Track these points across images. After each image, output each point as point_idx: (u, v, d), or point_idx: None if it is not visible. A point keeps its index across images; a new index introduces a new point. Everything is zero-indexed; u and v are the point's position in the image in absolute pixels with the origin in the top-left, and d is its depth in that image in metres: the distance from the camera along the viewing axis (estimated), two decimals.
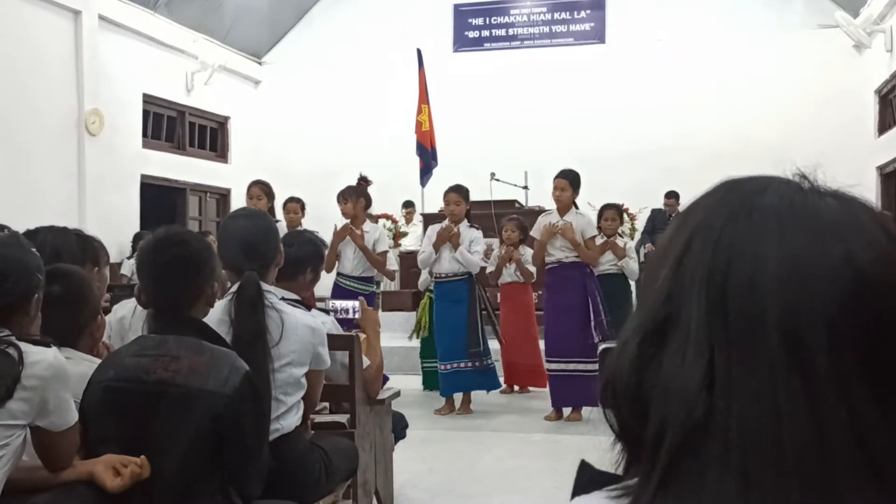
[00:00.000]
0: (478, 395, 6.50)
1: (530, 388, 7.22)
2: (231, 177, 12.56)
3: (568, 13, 12.89)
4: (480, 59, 12.91)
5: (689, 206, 0.65)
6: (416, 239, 10.75)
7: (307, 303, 3.04)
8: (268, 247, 2.72)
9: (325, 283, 4.72)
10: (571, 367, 5.92)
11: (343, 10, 13.25)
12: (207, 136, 12.69)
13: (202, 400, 2.05)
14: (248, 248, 2.66)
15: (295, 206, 6.71)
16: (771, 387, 0.55)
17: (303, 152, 12.83)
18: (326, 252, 4.06)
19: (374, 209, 8.89)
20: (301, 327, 2.63)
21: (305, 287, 3.23)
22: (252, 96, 13.48)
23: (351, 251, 6.36)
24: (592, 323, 5.87)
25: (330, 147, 12.59)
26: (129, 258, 9.45)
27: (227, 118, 12.94)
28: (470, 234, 6.25)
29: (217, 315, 2.49)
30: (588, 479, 0.65)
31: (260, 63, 13.59)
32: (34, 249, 2.04)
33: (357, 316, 3.49)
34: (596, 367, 5.14)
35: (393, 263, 9.22)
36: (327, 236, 5.53)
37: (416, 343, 7.27)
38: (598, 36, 12.73)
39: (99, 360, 2.26)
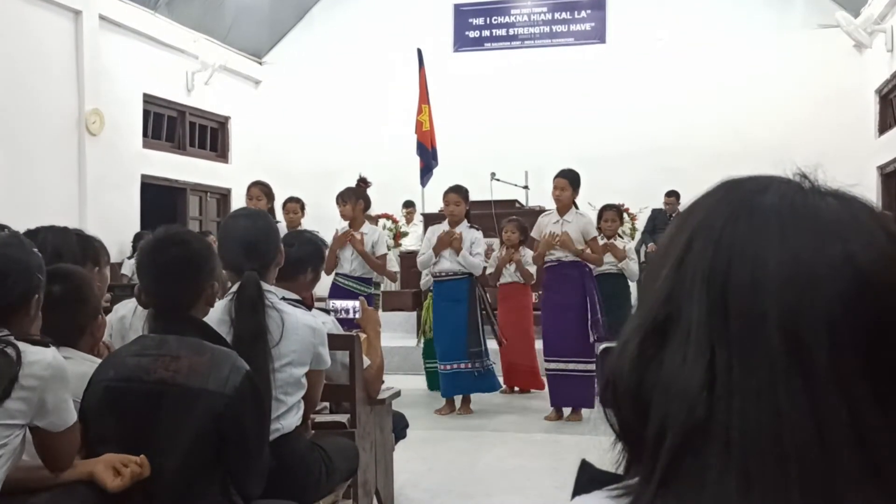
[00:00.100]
0: (478, 395, 6.50)
1: (530, 389, 7.22)
2: (231, 177, 12.57)
3: (568, 13, 12.89)
4: (481, 58, 12.91)
5: (689, 206, 0.65)
6: (416, 239, 10.75)
7: (306, 303, 3.04)
8: (268, 247, 2.73)
9: (324, 283, 4.72)
10: (571, 367, 5.93)
11: (343, 10, 13.25)
12: (208, 135, 12.69)
13: (203, 400, 2.05)
14: (249, 248, 2.66)
15: (295, 206, 6.71)
16: (771, 387, 0.55)
17: (303, 152, 12.83)
18: (326, 252, 4.06)
19: (375, 209, 8.91)
20: (301, 327, 2.63)
21: (306, 287, 3.23)
22: (252, 96, 13.48)
23: (349, 253, 6.37)
24: (589, 322, 5.87)
25: (330, 147, 12.59)
26: (129, 258, 9.45)
27: (227, 118, 12.94)
28: (471, 235, 6.25)
29: (217, 315, 2.49)
30: (589, 478, 0.65)
31: (260, 63, 13.59)
32: (35, 249, 2.04)
33: (357, 316, 3.49)
34: (593, 367, 5.14)
35: (394, 264, 9.22)
36: (327, 236, 5.53)
37: (415, 343, 7.27)
38: (598, 36, 12.73)
39: (99, 360, 2.26)
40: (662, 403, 0.58)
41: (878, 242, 0.58)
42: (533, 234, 6.35)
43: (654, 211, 10.79)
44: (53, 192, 9.19)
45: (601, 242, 6.47)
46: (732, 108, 11.58)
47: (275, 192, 6.47)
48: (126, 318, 3.02)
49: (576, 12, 12.85)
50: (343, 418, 3.22)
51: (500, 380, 6.74)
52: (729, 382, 0.56)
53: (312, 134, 12.96)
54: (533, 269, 6.67)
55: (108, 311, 2.97)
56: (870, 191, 10.20)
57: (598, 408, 0.65)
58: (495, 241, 7.21)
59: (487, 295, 6.64)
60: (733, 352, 0.57)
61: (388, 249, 7.53)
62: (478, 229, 6.33)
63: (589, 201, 7.12)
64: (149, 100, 11.11)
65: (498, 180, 8.25)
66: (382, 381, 3.44)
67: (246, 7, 12.38)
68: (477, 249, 6.24)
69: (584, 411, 6.01)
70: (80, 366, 2.20)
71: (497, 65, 12.72)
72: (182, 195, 12.02)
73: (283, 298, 2.76)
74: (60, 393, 1.91)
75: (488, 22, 13.16)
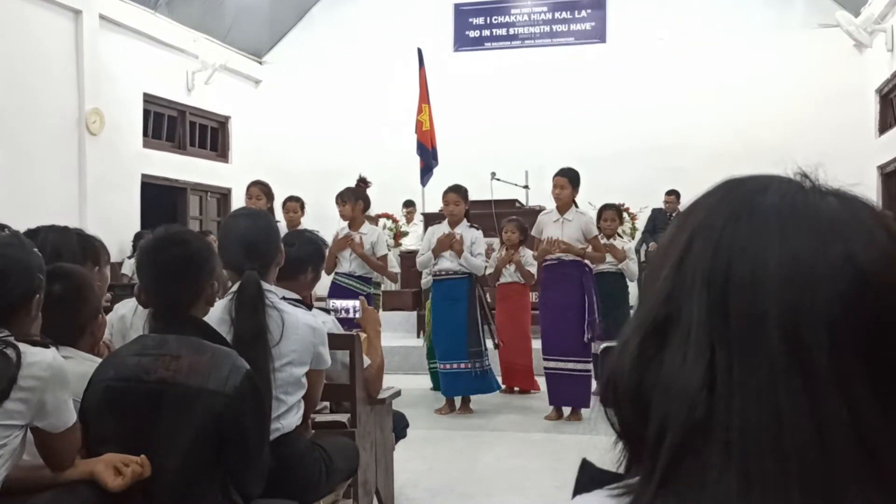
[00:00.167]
0: (478, 395, 6.50)
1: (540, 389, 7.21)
2: (231, 176, 12.57)
3: (569, 13, 12.88)
4: (481, 58, 12.91)
5: (690, 206, 0.65)
6: (416, 238, 10.76)
7: (305, 302, 3.04)
8: (268, 246, 2.73)
9: (324, 283, 4.72)
10: (570, 367, 5.93)
11: (343, 10, 13.25)
12: (208, 135, 12.69)
13: (203, 399, 2.05)
14: (249, 247, 2.66)
15: (294, 205, 6.71)
16: (771, 387, 0.55)
17: (303, 152, 12.83)
18: (327, 252, 4.06)
19: (375, 209, 8.90)
20: (302, 327, 2.63)
21: (306, 286, 3.23)
22: (252, 96, 13.48)
23: (349, 252, 6.38)
24: (586, 322, 5.87)
25: (330, 146, 12.59)
26: (129, 258, 9.44)
27: (227, 118, 12.94)
28: (470, 235, 6.24)
29: (218, 314, 2.49)
30: (589, 477, 0.65)
31: (260, 63, 13.59)
32: (35, 249, 2.04)
33: (357, 315, 3.49)
34: (588, 367, 5.15)
35: (394, 265, 9.22)
36: (328, 236, 5.53)
37: (417, 343, 7.27)
38: (598, 35, 12.72)
39: (99, 360, 2.26)
40: (662, 403, 0.58)
41: (878, 242, 0.58)
42: (533, 232, 6.35)
43: (655, 211, 10.79)
44: (53, 191, 9.19)
45: (602, 241, 6.47)
46: (732, 108, 11.58)
47: (275, 191, 6.47)
48: (126, 318, 3.02)
49: (576, 12, 12.85)
50: (343, 418, 3.22)
51: (499, 380, 6.74)
52: (729, 382, 0.56)
53: (312, 133, 12.96)
54: (533, 269, 6.66)
55: (108, 310, 2.97)
56: (870, 190, 10.18)
57: (597, 407, 0.65)
58: (495, 241, 7.21)
59: (487, 295, 6.64)
60: (733, 352, 0.57)
61: (388, 249, 7.53)
62: (477, 228, 6.33)
63: (589, 201, 7.12)
64: (149, 99, 11.11)
65: (498, 180, 8.25)
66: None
67: (246, 7, 12.38)
68: (478, 249, 6.24)
69: (584, 411, 6.01)
70: (81, 365, 2.20)
71: (497, 64, 12.72)
72: (182, 195, 12.02)
73: (284, 298, 2.76)
74: (60, 394, 1.91)
75: (488, 21, 13.15)
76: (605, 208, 7.04)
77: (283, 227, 5.21)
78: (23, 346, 1.86)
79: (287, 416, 2.61)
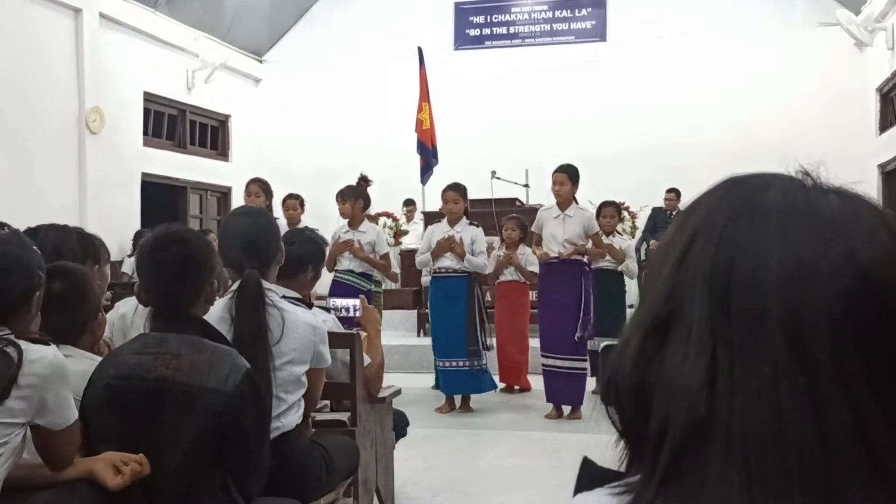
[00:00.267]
0: (478, 394, 6.50)
1: (531, 387, 7.21)
2: (232, 175, 12.56)
3: (569, 11, 12.87)
4: (481, 57, 12.91)
5: (691, 204, 0.64)
6: (416, 237, 10.76)
7: (305, 301, 3.04)
8: (269, 245, 2.72)
9: (324, 282, 4.73)
10: (568, 365, 5.93)
11: (343, 9, 13.24)
12: (208, 134, 12.69)
13: (203, 398, 2.04)
14: (250, 246, 2.66)
15: (294, 202, 6.70)
16: (773, 385, 0.55)
17: (303, 150, 12.83)
18: (327, 251, 4.06)
19: (375, 207, 8.89)
20: (302, 325, 2.63)
21: (307, 285, 3.23)
22: (253, 94, 13.47)
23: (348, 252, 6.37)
24: (580, 321, 5.88)
25: (330, 145, 12.59)
26: (129, 256, 9.44)
27: (227, 116, 12.93)
28: (471, 233, 6.24)
29: (218, 313, 2.49)
30: (590, 476, 0.65)
31: (260, 61, 13.58)
32: (35, 247, 2.04)
33: (358, 314, 3.49)
34: (584, 365, 5.18)
35: (394, 264, 9.21)
36: (328, 234, 5.53)
37: (417, 342, 7.26)
38: (599, 34, 12.71)
39: (100, 358, 2.26)
40: (663, 402, 0.58)
41: (880, 240, 0.58)
42: (533, 228, 6.35)
43: (655, 210, 10.78)
44: (54, 190, 9.19)
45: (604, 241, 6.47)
46: (733, 107, 11.57)
47: (275, 190, 6.46)
48: (127, 316, 3.02)
49: (576, 10, 12.84)
50: (344, 416, 3.22)
51: (497, 378, 6.74)
52: (730, 381, 0.56)
53: (313, 132, 12.96)
54: (533, 269, 6.66)
55: (108, 309, 2.97)
56: (870, 189, 10.20)
57: (598, 405, 0.65)
58: (496, 240, 7.21)
59: (487, 294, 6.64)
60: (735, 350, 0.57)
61: (389, 247, 7.53)
62: (477, 226, 6.33)
63: (589, 199, 7.12)
64: (149, 98, 11.10)
65: (498, 178, 8.26)
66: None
67: (246, 5, 12.38)
68: (479, 248, 6.24)
69: (584, 409, 6.01)
70: (81, 364, 2.20)
71: (497, 63, 12.72)
72: (182, 193, 12.02)
73: (284, 297, 2.76)
74: (61, 391, 1.91)
75: (489, 20, 13.15)
76: (604, 205, 7.04)
77: (282, 225, 5.22)
78: (23, 344, 1.86)
79: (287, 415, 2.61)
